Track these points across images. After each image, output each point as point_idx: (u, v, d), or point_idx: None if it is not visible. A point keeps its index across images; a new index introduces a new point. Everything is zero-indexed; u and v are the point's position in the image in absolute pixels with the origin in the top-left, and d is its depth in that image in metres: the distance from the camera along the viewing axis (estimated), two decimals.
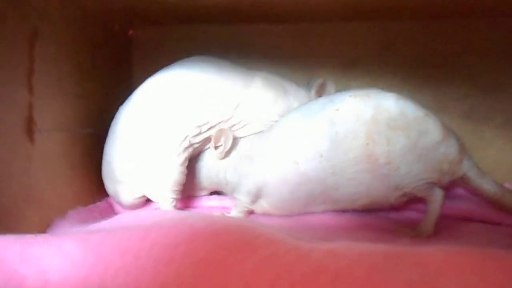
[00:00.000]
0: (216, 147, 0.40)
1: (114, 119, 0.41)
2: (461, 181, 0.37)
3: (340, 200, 0.37)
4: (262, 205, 0.39)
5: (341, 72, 0.49)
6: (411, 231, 0.35)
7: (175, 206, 0.40)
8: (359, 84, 0.49)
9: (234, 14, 0.45)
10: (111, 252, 0.22)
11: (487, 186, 0.36)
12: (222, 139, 0.40)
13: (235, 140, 0.41)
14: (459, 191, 0.44)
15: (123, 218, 0.33)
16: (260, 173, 0.38)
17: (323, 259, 0.20)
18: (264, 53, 0.50)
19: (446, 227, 0.36)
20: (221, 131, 0.40)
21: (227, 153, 0.41)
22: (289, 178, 0.36)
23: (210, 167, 0.42)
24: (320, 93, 0.44)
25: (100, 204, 0.43)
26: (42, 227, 0.34)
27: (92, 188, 0.43)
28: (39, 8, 0.34)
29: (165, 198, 0.39)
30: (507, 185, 0.45)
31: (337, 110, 0.35)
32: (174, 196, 0.39)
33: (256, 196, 0.39)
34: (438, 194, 0.35)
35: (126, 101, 0.41)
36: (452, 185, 0.40)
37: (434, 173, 0.35)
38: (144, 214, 0.34)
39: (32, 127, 0.34)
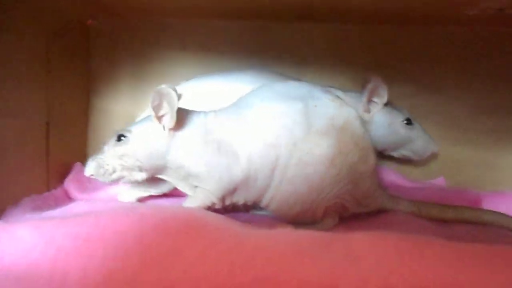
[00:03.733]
0: (159, 118, 0.34)
1: None
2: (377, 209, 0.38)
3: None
4: (232, 196, 0.36)
5: (294, 70, 0.51)
6: None
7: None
8: (313, 79, 0.51)
9: (191, 9, 0.46)
10: (63, 237, 0.23)
11: (403, 207, 0.38)
12: (165, 104, 0.34)
13: (189, 113, 0.36)
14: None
15: (78, 206, 0.34)
16: (240, 166, 0.34)
17: (259, 244, 0.22)
18: (221, 48, 0.51)
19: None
20: (160, 92, 0.33)
21: (179, 126, 0.35)
22: (264, 163, 0.34)
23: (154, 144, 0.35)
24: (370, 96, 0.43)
25: (56, 192, 0.43)
26: None
27: (46, 177, 0.43)
28: None
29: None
30: (440, 179, 0.50)
31: (316, 106, 0.35)
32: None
33: (231, 193, 0.35)
34: (330, 222, 0.36)
35: None
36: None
37: (350, 202, 0.36)
38: (99, 203, 0.35)
39: None
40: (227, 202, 0.36)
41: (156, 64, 0.53)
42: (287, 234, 0.23)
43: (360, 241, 0.23)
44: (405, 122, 0.44)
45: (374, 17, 0.46)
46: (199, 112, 0.37)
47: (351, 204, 0.36)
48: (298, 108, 0.34)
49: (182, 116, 0.35)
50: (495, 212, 0.38)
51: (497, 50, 0.48)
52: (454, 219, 0.38)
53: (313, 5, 0.42)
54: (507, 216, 0.38)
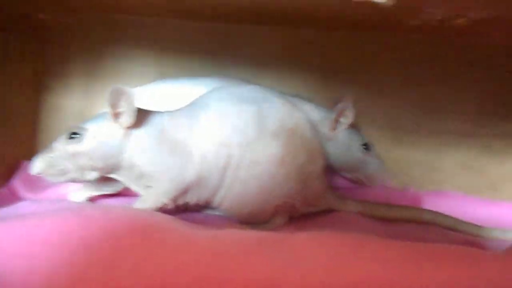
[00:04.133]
0: (115, 116, 0.34)
1: None
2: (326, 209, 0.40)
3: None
4: (185, 196, 0.36)
5: (249, 72, 0.52)
6: None
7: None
8: (268, 82, 0.52)
9: (146, 7, 0.46)
10: (6, 238, 0.23)
11: (350, 208, 0.39)
12: (123, 103, 0.33)
13: (146, 112, 0.36)
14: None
15: (24, 206, 0.33)
16: (193, 166, 0.35)
17: (206, 244, 0.23)
18: (176, 48, 0.51)
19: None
20: (118, 90, 0.33)
21: (135, 125, 0.34)
22: (216, 163, 0.35)
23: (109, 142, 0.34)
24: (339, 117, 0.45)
25: (2, 191, 0.42)
26: None
27: None
28: None
29: None
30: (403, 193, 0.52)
31: (269, 108, 0.36)
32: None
33: (184, 193, 0.35)
34: (280, 221, 0.37)
35: None
36: None
37: (299, 202, 0.37)
38: (46, 202, 0.34)
39: None
40: (180, 202, 0.36)
41: (109, 61, 0.52)
42: (233, 234, 0.24)
43: (303, 241, 0.25)
44: (363, 146, 0.46)
45: (326, 23, 0.48)
46: (156, 112, 0.37)
47: (300, 203, 0.37)
48: (251, 110, 0.35)
49: (139, 115, 0.35)
50: (435, 212, 0.40)
51: (438, 56, 0.51)
52: (397, 218, 0.40)
53: (269, 9, 0.43)
54: (446, 215, 0.40)
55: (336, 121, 0.44)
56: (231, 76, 0.50)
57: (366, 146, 0.46)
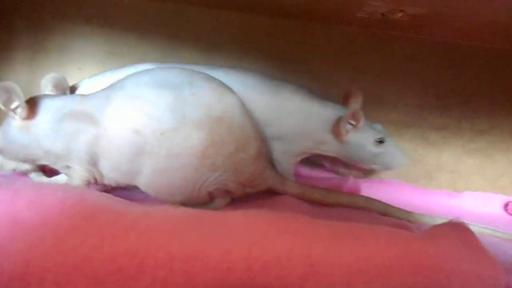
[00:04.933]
0: (12, 111, 0.34)
1: None
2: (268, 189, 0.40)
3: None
4: (102, 175, 0.36)
5: (204, 55, 0.52)
6: None
7: None
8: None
9: None
10: None
11: (291, 189, 0.40)
12: (14, 97, 0.34)
13: (41, 99, 0.36)
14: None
15: None
16: (94, 136, 0.34)
17: (134, 218, 0.23)
18: (127, 26, 0.51)
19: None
20: (4, 87, 0.33)
21: (33, 114, 0.35)
22: (127, 148, 0.34)
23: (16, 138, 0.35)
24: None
25: None
26: None
27: None
28: None
29: None
30: (344, 181, 0.53)
31: (194, 94, 0.34)
32: None
33: (91, 163, 0.35)
34: (222, 202, 0.38)
35: None
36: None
37: (234, 187, 0.37)
38: None
39: None
40: (104, 180, 0.36)
41: (57, 36, 0.51)
42: (166, 211, 0.25)
43: (233, 218, 0.25)
44: (378, 141, 0.45)
45: (281, 12, 0.49)
46: (61, 96, 0.38)
47: (235, 188, 0.37)
48: (170, 97, 0.34)
49: (35, 104, 0.35)
50: (368, 197, 0.42)
51: (383, 49, 0.53)
52: (334, 203, 0.41)
53: None
54: (379, 201, 0.42)
55: (345, 125, 0.43)
56: (182, 59, 0.51)
57: (380, 140, 0.45)
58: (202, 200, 0.37)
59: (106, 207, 0.24)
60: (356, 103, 0.45)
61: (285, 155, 0.45)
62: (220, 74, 0.41)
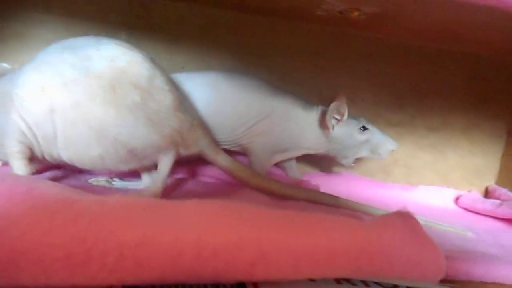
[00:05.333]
0: None
1: None
2: (200, 156, 0.40)
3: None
4: (34, 147, 0.37)
5: (165, 47, 0.52)
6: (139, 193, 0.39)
7: None
8: (184, 59, 0.52)
9: None
10: None
11: (221, 161, 0.40)
12: None
13: None
14: None
15: None
16: (15, 108, 0.35)
17: (87, 207, 0.23)
18: (88, 16, 0.50)
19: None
20: None
21: None
22: (38, 108, 0.35)
23: None
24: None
25: None
26: None
27: None
28: None
29: None
30: (305, 175, 0.55)
31: (98, 50, 0.36)
32: None
33: (21, 141, 0.36)
34: (167, 159, 0.38)
35: None
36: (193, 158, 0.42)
37: (161, 138, 0.37)
38: None
39: None
40: (40, 155, 0.37)
41: (16, 24, 0.49)
42: (120, 199, 0.25)
43: (185, 206, 0.26)
44: (361, 129, 0.47)
45: (245, 6, 0.49)
46: None
47: (162, 142, 0.37)
48: (74, 55, 0.35)
49: None
50: (314, 190, 0.43)
51: (341, 47, 0.55)
52: (267, 189, 0.41)
53: None
54: (325, 193, 0.43)
55: (330, 119, 0.45)
56: (143, 50, 0.50)
57: (364, 128, 0.47)
58: (126, 160, 0.37)
59: (57, 195, 0.24)
60: (340, 101, 0.46)
61: (267, 152, 0.47)
62: (219, 77, 0.45)
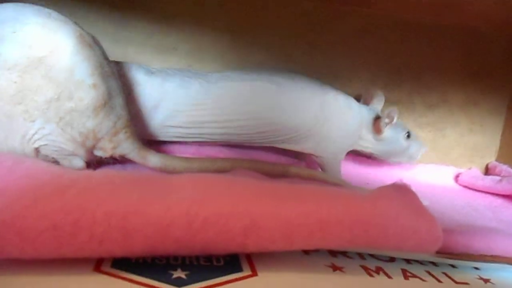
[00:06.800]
0: None
1: None
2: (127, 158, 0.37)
3: None
4: None
5: (157, 29, 0.51)
6: None
7: None
8: (176, 39, 0.52)
9: None
10: None
11: (151, 164, 0.37)
12: None
13: None
14: None
15: None
16: None
17: (75, 179, 0.23)
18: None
19: None
20: None
21: None
22: None
23: None
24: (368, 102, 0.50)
25: None
26: None
27: None
28: None
29: None
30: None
31: (14, 32, 0.31)
32: None
33: None
34: (77, 164, 0.35)
35: None
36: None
37: (70, 142, 0.34)
38: None
39: None
40: None
41: None
42: (106, 173, 0.25)
43: (177, 179, 0.25)
44: (406, 134, 0.49)
45: None
46: None
47: (70, 146, 0.34)
48: None
49: None
50: (265, 162, 0.42)
51: (335, 23, 0.54)
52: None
53: None
54: (275, 164, 0.42)
55: (382, 122, 0.47)
56: (136, 31, 0.50)
57: (409, 134, 0.49)
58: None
59: (44, 169, 0.24)
60: (379, 103, 0.50)
61: (334, 155, 0.47)
62: (265, 76, 0.43)
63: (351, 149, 0.49)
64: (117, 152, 0.36)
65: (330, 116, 0.45)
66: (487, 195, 0.53)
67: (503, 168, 0.58)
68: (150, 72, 0.42)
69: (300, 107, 0.43)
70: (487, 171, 0.61)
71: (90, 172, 0.25)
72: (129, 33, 0.50)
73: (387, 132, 0.48)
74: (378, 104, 0.50)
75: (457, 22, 0.54)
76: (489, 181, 0.54)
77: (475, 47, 0.57)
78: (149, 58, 0.51)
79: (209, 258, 0.25)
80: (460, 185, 0.57)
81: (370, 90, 0.50)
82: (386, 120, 0.47)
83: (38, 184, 0.22)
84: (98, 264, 0.23)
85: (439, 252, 0.29)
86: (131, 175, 0.25)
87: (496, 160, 0.61)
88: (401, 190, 0.30)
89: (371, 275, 0.27)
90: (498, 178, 0.54)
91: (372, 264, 0.28)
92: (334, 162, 0.47)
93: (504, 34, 0.57)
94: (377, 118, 0.48)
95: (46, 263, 0.21)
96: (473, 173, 0.58)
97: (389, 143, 0.49)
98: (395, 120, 0.47)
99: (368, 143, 0.49)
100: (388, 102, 0.55)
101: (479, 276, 0.29)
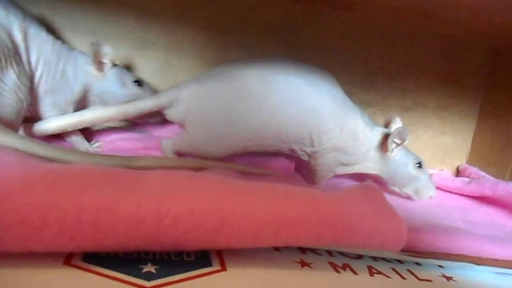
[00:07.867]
0: None
1: None
2: None
3: None
4: None
5: (139, 25, 0.51)
6: None
7: None
8: (155, 35, 0.52)
9: None
10: None
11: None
12: None
13: None
14: None
15: None
16: None
17: (46, 173, 0.23)
18: None
19: None
20: None
21: None
22: None
23: None
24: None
25: None
26: None
27: None
28: None
29: None
30: None
31: None
32: None
33: None
34: None
35: None
36: None
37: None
38: None
39: None
40: None
41: None
42: (80, 167, 0.25)
43: (150, 175, 0.26)
44: (417, 164, 0.47)
45: None
46: None
47: None
48: None
49: None
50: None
51: (312, 25, 0.54)
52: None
53: None
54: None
55: (391, 142, 0.45)
56: (116, 26, 0.49)
57: (420, 164, 0.47)
58: None
59: (16, 162, 0.24)
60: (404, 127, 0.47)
61: (334, 165, 0.46)
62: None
63: (352, 171, 0.48)
64: None
65: (343, 132, 0.45)
66: (457, 196, 0.55)
67: (473, 170, 0.60)
68: None
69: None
70: (458, 173, 0.63)
71: (62, 166, 0.25)
72: (109, 28, 0.50)
73: (397, 154, 0.47)
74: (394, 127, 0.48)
75: (432, 28, 0.55)
76: (459, 183, 0.56)
77: (449, 52, 0.59)
78: (128, 54, 0.51)
79: (179, 253, 0.26)
80: None
81: (389, 117, 0.49)
82: (396, 140, 0.45)
83: (7, 177, 0.22)
84: (68, 258, 0.23)
85: (404, 250, 0.30)
86: (103, 170, 0.25)
87: (467, 162, 0.63)
88: (368, 191, 0.31)
89: (338, 271, 0.27)
90: (468, 180, 0.56)
91: (340, 261, 0.29)
92: (325, 172, 0.47)
93: (477, 41, 0.59)
94: (386, 137, 0.46)
95: (14, 256, 0.21)
96: (444, 174, 0.60)
97: (396, 166, 0.47)
98: (406, 141, 0.45)
99: (374, 164, 0.47)
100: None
101: (443, 274, 0.30)
